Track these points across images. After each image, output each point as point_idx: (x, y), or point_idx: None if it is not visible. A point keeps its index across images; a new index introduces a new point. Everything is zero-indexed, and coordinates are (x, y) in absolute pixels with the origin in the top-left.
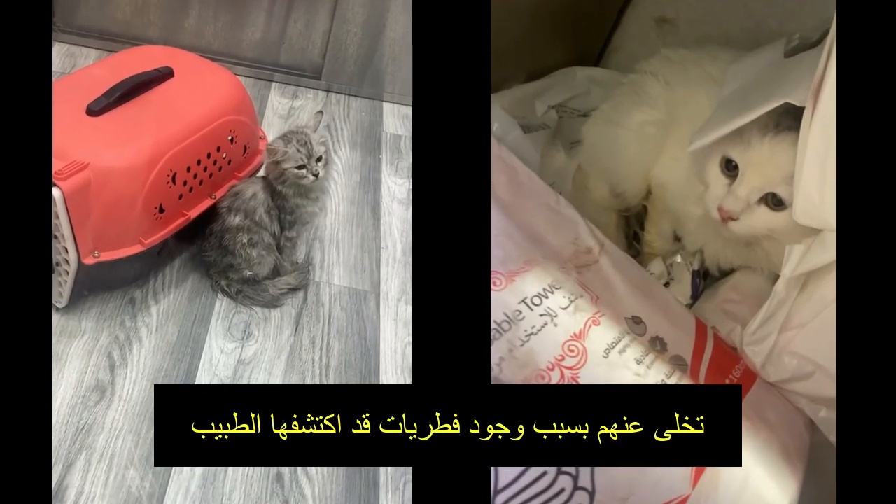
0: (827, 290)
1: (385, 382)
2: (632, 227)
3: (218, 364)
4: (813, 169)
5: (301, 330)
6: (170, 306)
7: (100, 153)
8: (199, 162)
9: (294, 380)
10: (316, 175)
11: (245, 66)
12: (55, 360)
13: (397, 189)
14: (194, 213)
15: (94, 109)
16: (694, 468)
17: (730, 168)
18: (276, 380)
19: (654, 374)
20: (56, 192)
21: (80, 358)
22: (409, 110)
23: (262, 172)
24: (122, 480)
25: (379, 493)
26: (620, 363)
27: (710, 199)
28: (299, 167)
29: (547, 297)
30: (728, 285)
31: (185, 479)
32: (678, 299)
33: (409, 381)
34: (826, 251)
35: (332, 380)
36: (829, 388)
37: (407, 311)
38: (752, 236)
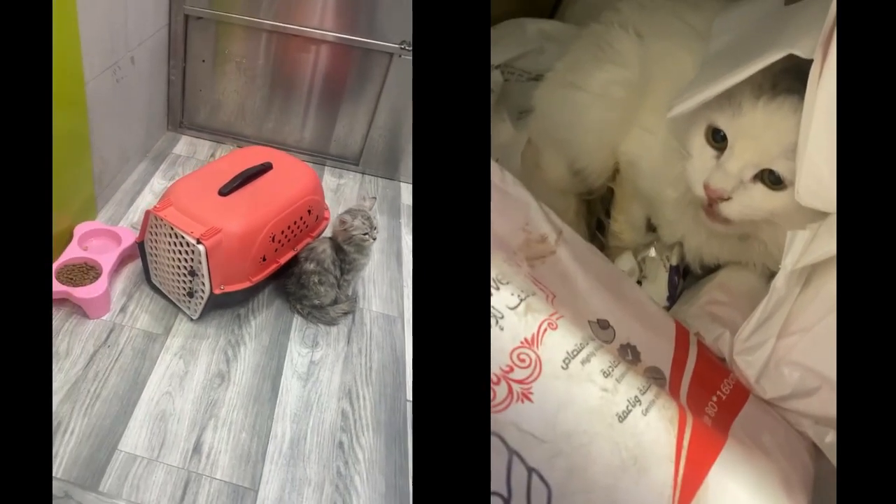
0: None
1: (409, 381)
2: (595, 215)
3: (297, 363)
4: (820, 138)
5: (352, 342)
6: (263, 321)
7: (228, 222)
8: (289, 227)
9: (348, 377)
10: (374, 239)
11: (306, 154)
12: (192, 356)
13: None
14: (283, 260)
15: (224, 192)
16: (678, 501)
17: (717, 139)
18: (336, 377)
19: (626, 389)
20: (201, 248)
21: (207, 354)
22: None
23: (327, 233)
24: (238, 440)
25: (408, 461)
26: (583, 376)
27: (695, 174)
28: (364, 234)
29: (491, 294)
30: (713, 284)
31: (279, 442)
32: (654, 300)
33: None
34: (835, 239)
35: (373, 378)
36: None
37: None
38: (747, 220)
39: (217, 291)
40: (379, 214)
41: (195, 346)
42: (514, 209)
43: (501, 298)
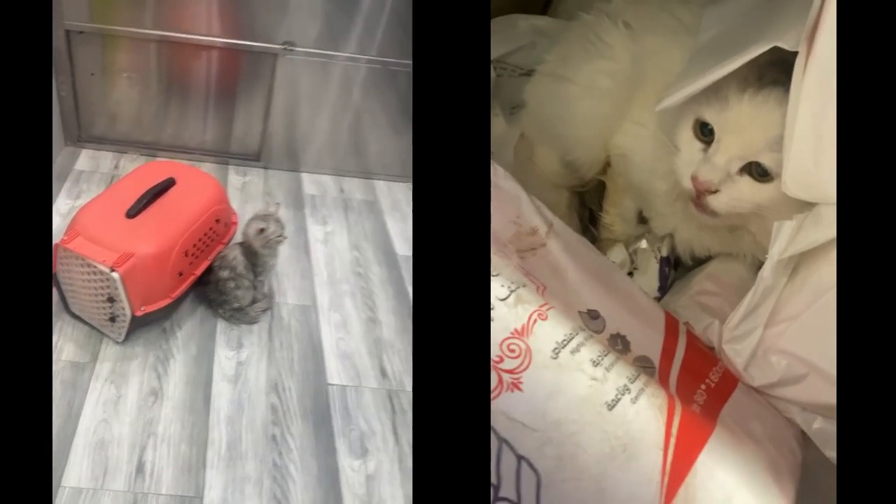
0: (823, 275)
1: (328, 365)
2: (587, 208)
3: (225, 367)
4: (806, 130)
5: (273, 337)
6: (189, 330)
7: (139, 245)
8: (200, 240)
9: (273, 371)
10: (286, 237)
11: (209, 155)
12: (123, 379)
13: (318, 233)
14: (199, 271)
15: (131, 214)
16: (665, 489)
17: (705, 132)
18: (262, 374)
19: (615, 378)
20: (115, 275)
21: (138, 373)
22: (319, 177)
23: (237, 240)
24: (178, 452)
25: (335, 440)
26: (573, 365)
27: (682, 167)
28: (279, 236)
29: (491, 289)
30: (703, 275)
31: (217, 447)
32: (645, 291)
33: (342, 362)
34: (822, 228)
35: (296, 368)
36: (826, 394)
37: (335, 317)
38: (735, 212)
39: (139, 313)
40: (284, 208)
41: (125, 369)
42: (505, 202)
43: (492, 290)
